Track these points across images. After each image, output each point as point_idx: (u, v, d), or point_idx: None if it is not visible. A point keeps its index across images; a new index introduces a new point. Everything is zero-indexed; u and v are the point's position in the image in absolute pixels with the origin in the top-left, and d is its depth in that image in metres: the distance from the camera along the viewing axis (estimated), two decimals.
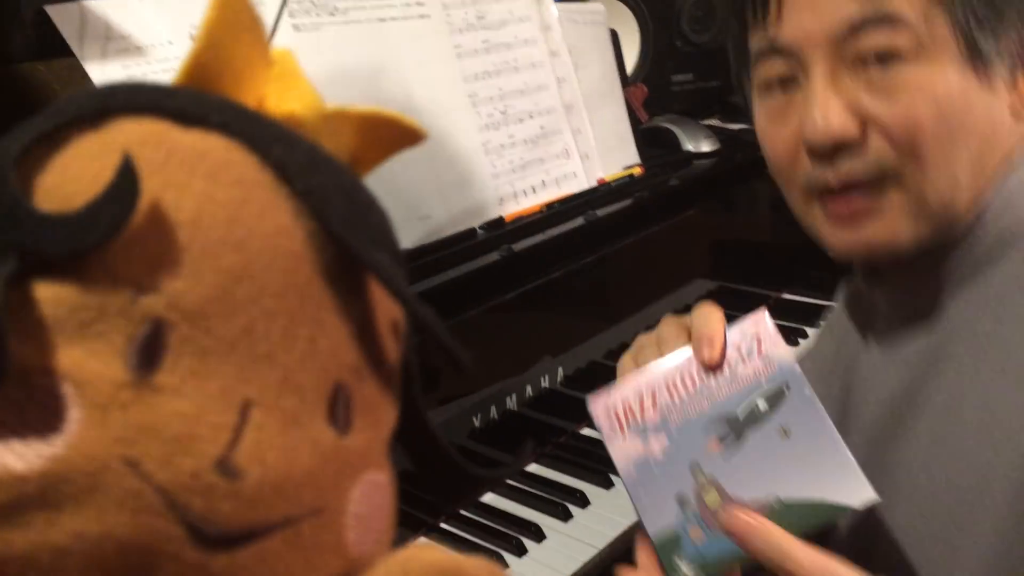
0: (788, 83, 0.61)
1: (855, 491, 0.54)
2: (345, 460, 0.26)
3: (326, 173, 0.27)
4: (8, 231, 0.22)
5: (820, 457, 0.55)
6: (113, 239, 0.22)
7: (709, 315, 0.59)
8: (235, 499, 0.23)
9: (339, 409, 0.26)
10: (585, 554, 0.81)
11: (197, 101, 0.26)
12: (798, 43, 0.59)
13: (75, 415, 0.22)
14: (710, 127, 1.32)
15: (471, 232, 0.94)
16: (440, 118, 0.94)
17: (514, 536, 0.82)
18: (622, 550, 0.85)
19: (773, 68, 0.61)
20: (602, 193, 1.06)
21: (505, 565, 0.78)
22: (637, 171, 1.12)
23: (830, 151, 0.59)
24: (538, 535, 0.83)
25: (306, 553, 0.25)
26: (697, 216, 1.18)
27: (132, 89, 0.26)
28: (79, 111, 0.25)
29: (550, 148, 1.04)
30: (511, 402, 0.95)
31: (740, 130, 1.36)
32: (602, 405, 0.60)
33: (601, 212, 1.02)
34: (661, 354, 0.60)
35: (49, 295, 0.22)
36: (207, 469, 0.23)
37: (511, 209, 0.99)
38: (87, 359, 0.22)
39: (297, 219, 0.25)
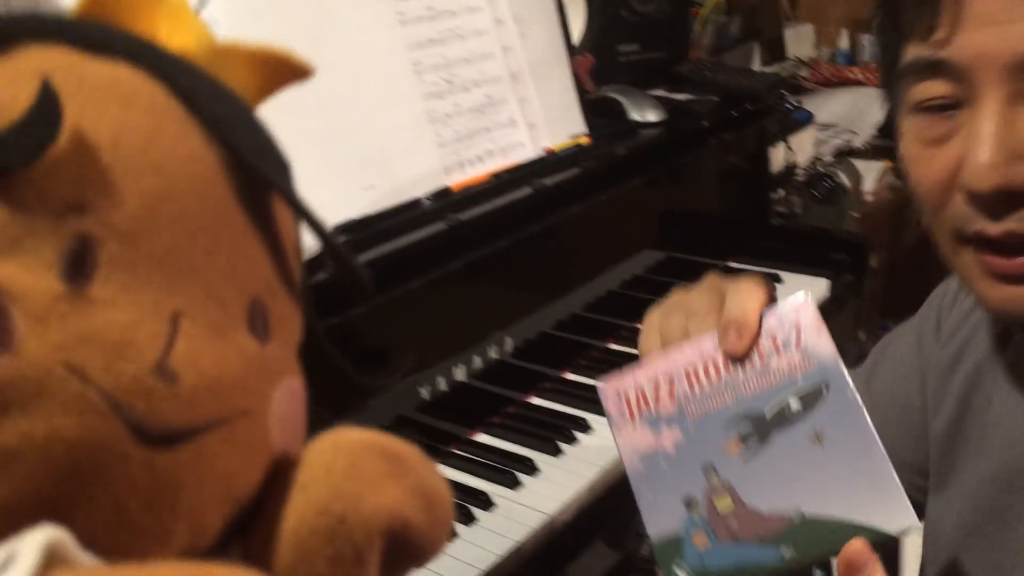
0: (949, 106, 0.52)
1: (894, 515, 0.47)
2: (267, 366, 0.28)
3: (230, 104, 0.28)
4: None
5: (857, 471, 0.48)
6: (38, 160, 0.23)
7: (746, 297, 0.52)
8: (174, 400, 0.25)
9: (258, 321, 0.28)
10: (535, 520, 0.82)
11: (101, 32, 0.27)
12: (971, 65, 0.49)
13: (16, 325, 0.23)
14: (656, 97, 1.32)
15: (417, 202, 0.93)
16: (383, 85, 0.92)
17: (463, 504, 0.83)
18: (571, 516, 0.85)
19: (934, 89, 0.52)
20: (549, 162, 1.05)
21: (454, 534, 0.78)
22: (584, 140, 1.12)
23: (994, 200, 0.49)
24: (486, 503, 0.84)
25: (239, 449, 0.27)
26: (644, 186, 1.18)
27: (36, 18, 0.26)
28: None
29: (496, 117, 1.03)
30: (459, 374, 0.95)
31: (686, 100, 1.37)
32: (613, 389, 0.55)
33: (549, 181, 1.01)
34: (688, 330, 0.54)
35: None
36: (146, 373, 0.24)
37: (458, 179, 0.98)
38: (21, 273, 0.23)
39: (208, 146, 0.27)
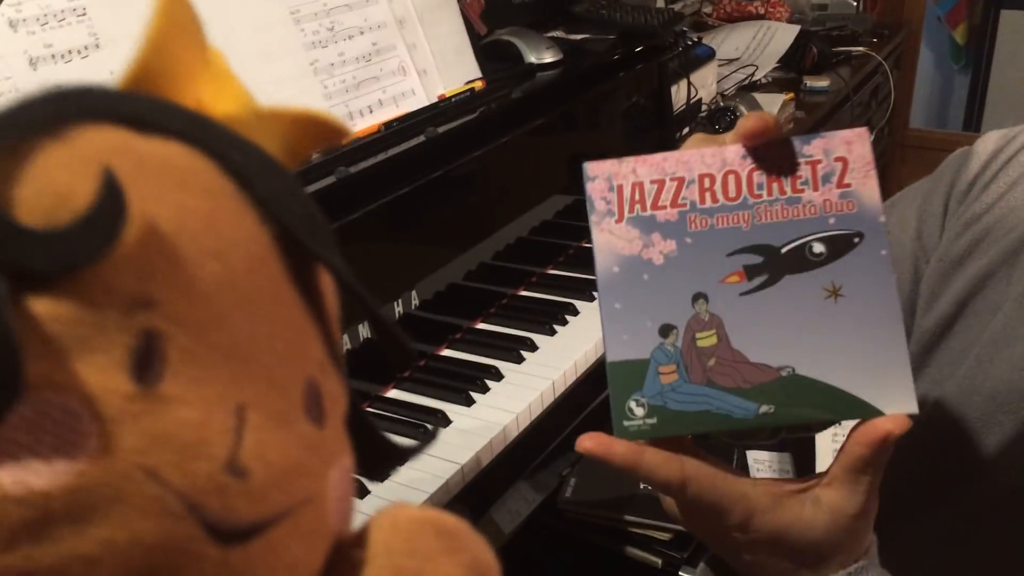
0: None
1: (896, 398, 0.43)
2: (325, 450, 0.28)
3: (279, 178, 0.28)
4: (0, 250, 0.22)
5: (868, 339, 0.43)
6: (107, 255, 0.23)
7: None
8: (246, 496, 0.25)
9: (313, 404, 0.28)
10: (449, 471, 0.81)
11: (151, 107, 0.26)
12: None
13: (90, 429, 0.23)
14: (553, 38, 1.30)
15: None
16: (261, 35, 0.88)
17: None
18: (486, 467, 0.85)
19: None
20: (442, 109, 1.03)
21: (367, 491, 0.77)
22: (479, 85, 1.10)
23: None
24: None
25: (304, 537, 0.27)
26: (544, 130, 1.16)
27: (84, 93, 0.26)
28: (33, 118, 0.25)
29: (385, 65, 1.00)
30: (364, 330, 0.93)
31: (583, 39, 1.35)
32: (605, 172, 0.46)
33: (442, 129, 0.99)
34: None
35: (45, 311, 0.22)
36: (219, 471, 0.24)
37: None
38: (92, 374, 0.23)
39: (262, 224, 0.27)
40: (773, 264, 0.44)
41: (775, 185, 0.44)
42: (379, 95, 0.99)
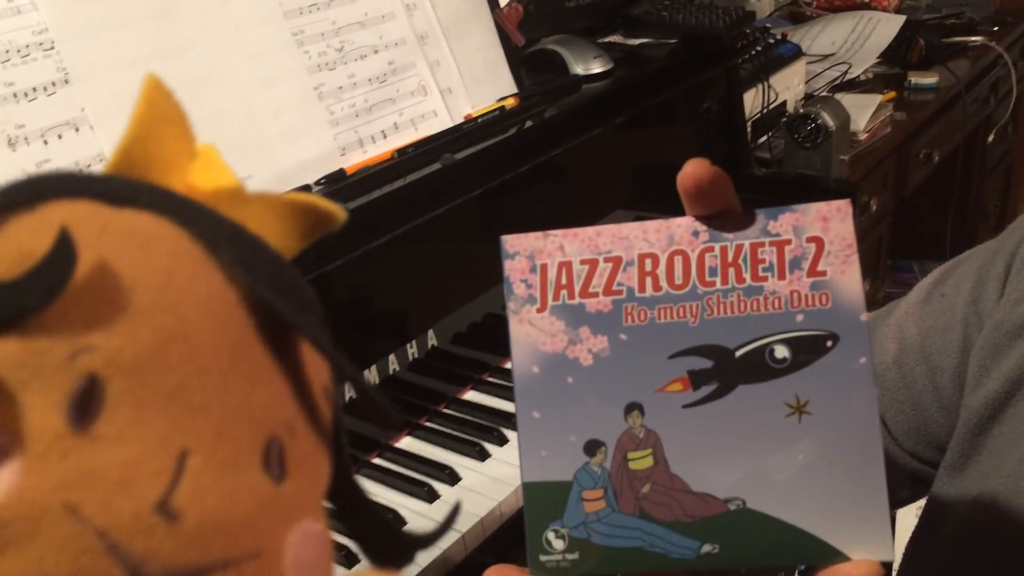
0: None
1: (867, 543, 0.35)
2: (281, 506, 0.28)
3: (252, 246, 0.29)
4: None
5: (837, 469, 0.35)
6: (51, 303, 0.24)
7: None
8: (175, 539, 0.24)
9: (273, 459, 0.28)
10: (470, 522, 0.73)
11: (127, 185, 0.29)
12: None
13: (15, 464, 0.23)
14: (608, 45, 1.20)
15: (305, 188, 0.83)
16: (257, 63, 0.82)
17: None
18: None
19: None
20: (467, 131, 0.95)
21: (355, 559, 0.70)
22: (511, 103, 1.01)
23: None
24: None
25: None
26: (588, 148, 1.06)
27: (64, 176, 0.28)
28: (11, 196, 0.27)
29: (402, 86, 0.93)
30: (373, 378, 0.86)
31: (641, 45, 1.24)
32: (526, 249, 0.38)
33: (462, 155, 0.91)
34: None
35: None
36: (146, 511, 0.24)
37: (356, 159, 0.88)
38: (27, 413, 0.24)
39: (228, 285, 0.28)
40: (725, 370, 0.36)
41: (731, 271, 0.36)
42: (395, 118, 0.91)
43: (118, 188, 0.28)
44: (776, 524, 0.36)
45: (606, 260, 0.37)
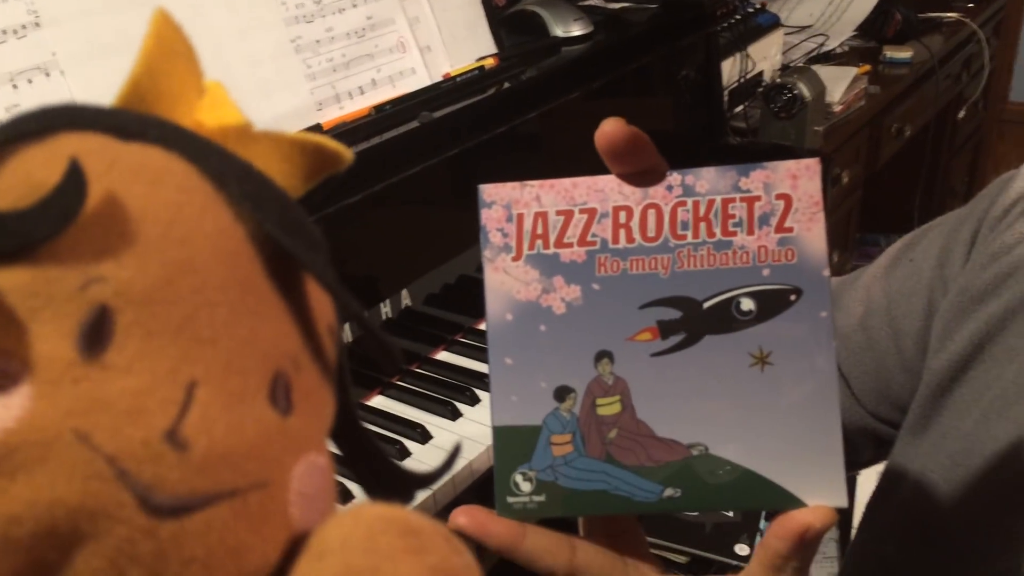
0: None
1: (823, 490, 0.36)
2: (287, 438, 0.28)
3: (260, 184, 0.30)
4: None
5: (796, 417, 0.37)
6: (62, 232, 0.24)
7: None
8: (183, 468, 0.25)
9: (279, 393, 0.28)
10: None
11: (137, 119, 0.29)
12: None
13: (26, 391, 0.24)
14: (588, 7, 1.19)
15: (315, 128, 0.82)
16: (233, 13, 0.81)
17: None
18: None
19: None
20: (444, 90, 0.94)
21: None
22: (490, 63, 1.00)
23: None
24: None
25: (252, 523, 0.27)
26: (565, 111, 1.06)
27: (74, 108, 0.28)
28: (21, 128, 0.27)
29: (381, 41, 0.92)
30: (347, 335, 0.86)
31: (622, 9, 1.24)
32: (503, 199, 0.39)
33: (440, 113, 0.90)
34: None
35: (1, 284, 0.24)
36: (156, 439, 0.25)
37: (333, 115, 0.87)
38: (38, 342, 0.24)
39: (236, 221, 0.28)
40: (692, 321, 0.37)
41: (703, 225, 0.37)
42: (372, 74, 0.90)
43: (128, 122, 0.28)
44: (736, 470, 0.37)
45: (581, 211, 0.38)
